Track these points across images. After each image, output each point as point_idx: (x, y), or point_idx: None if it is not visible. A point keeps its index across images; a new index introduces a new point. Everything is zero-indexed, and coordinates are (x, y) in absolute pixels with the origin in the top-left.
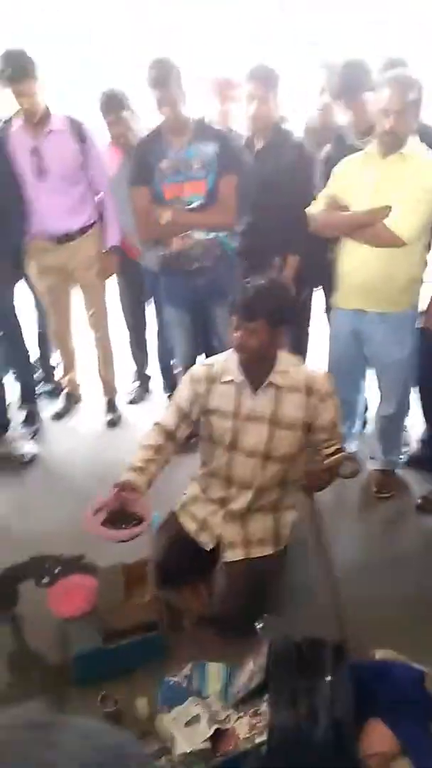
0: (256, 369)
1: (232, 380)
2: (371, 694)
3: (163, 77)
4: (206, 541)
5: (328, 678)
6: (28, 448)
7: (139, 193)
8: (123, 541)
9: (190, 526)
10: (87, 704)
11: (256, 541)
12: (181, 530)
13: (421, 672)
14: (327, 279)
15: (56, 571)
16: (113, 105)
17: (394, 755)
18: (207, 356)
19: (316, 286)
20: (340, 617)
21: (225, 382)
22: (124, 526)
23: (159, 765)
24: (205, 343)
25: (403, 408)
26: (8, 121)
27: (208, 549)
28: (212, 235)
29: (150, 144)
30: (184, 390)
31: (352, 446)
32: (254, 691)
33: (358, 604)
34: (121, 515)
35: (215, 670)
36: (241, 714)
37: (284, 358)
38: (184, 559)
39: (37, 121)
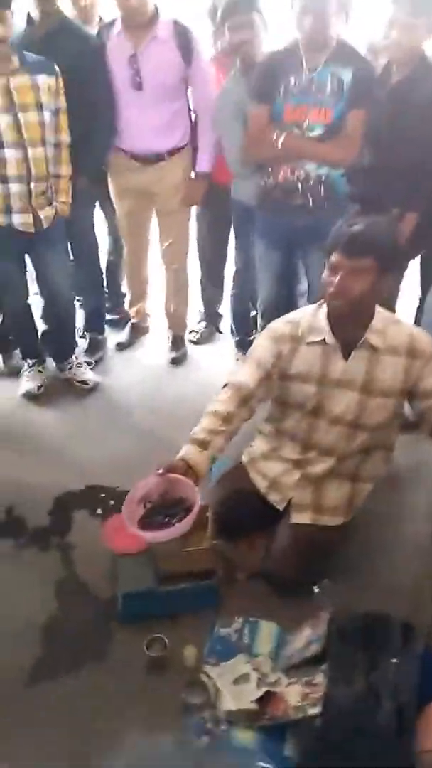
0: (350, 326)
1: (321, 341)
2: None
3: None
4: (276, 501)
5: (395, 660)
6: (90, 375)
7: (259, 110)
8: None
9: (261, 483)
10: (132, 646)
11: (329, 509)
12: (245, 483)
13: None
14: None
15: (111, 503)
16: (244, 6)
17: None
18: (286, 309)
19: (422, 250)
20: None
21: (312, 343)
22: (167, 518)
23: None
24: (288, 293)
25: None
26: (111, 24)
27: (279, 509)
28: (325, 170)
29: (282, 57)
30: (265, 347)
31: None
32: (309, 660)
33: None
34: (166, 501)
35: (267, 630)
36: (293, 680)
37: (382, 315)
38: (245, 511)
39: (140, 25)
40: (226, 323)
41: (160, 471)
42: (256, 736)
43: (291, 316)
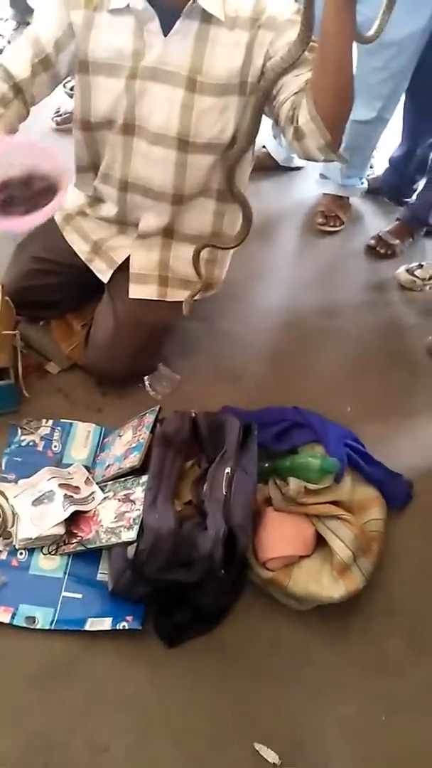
0: None
1: (127, 6)
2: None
3: None
4: (101, 270)
5: (228, 470)
6: None
7: None
8: None
9: (81, 247)
10: None
11: (178, 281)
12: (58, 248)
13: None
14: None
15: None
16: None
17: (301, 557)
18: None
19: None
20: None
21: (117, 11)
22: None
23: None
24: None
25: (386, 113)
26: None
27: (104, 280)
28: None
29: None
30: (48, 15)
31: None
32: (128, 472)
33: (289, 362)
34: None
35: (84, 433)
36: (108, 495)
37: None
38: (59, 286)
39: None
40: None
41: None
42: (62, 563)
43: None
